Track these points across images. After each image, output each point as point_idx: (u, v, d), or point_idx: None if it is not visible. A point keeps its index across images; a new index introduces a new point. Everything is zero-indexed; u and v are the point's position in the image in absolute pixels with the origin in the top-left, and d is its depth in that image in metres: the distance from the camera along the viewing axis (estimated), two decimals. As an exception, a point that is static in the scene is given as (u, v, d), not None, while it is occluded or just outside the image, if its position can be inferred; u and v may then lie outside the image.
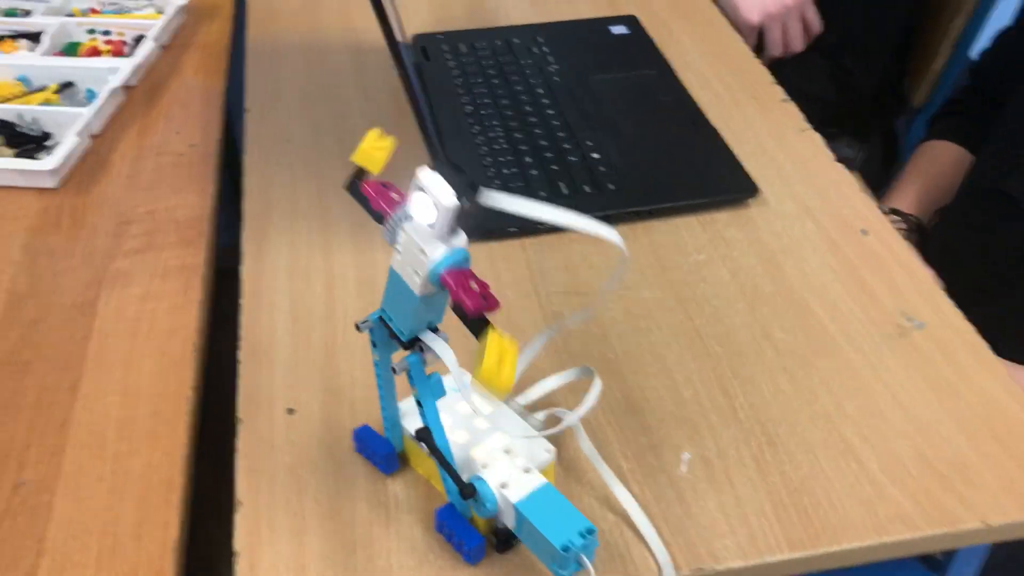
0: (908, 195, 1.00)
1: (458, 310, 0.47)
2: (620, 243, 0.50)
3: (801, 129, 0.92)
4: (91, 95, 0.99)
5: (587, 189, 0.81)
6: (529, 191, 0.81)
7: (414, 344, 0.53)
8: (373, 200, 0.51)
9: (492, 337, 0.46)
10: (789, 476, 0.60)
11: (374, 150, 0.50)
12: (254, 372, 0.68)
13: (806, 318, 0.71)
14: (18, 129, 0.92)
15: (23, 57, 1.02)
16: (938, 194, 0.99)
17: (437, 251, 0.48)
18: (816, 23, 1.17)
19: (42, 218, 0.86)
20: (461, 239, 0.49)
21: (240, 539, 0.58)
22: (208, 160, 0.93)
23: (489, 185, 0.81)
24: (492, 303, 0.46)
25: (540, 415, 0.61)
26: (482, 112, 0.91)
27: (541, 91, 0.94)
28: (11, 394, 0.70)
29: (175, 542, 0.60)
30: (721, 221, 0.81)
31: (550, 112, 0.91)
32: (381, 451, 0.60)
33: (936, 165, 1.01)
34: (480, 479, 0.54)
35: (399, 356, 0.53)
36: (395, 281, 0.51)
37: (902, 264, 0.76)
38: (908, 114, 1.30)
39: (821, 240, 0.78)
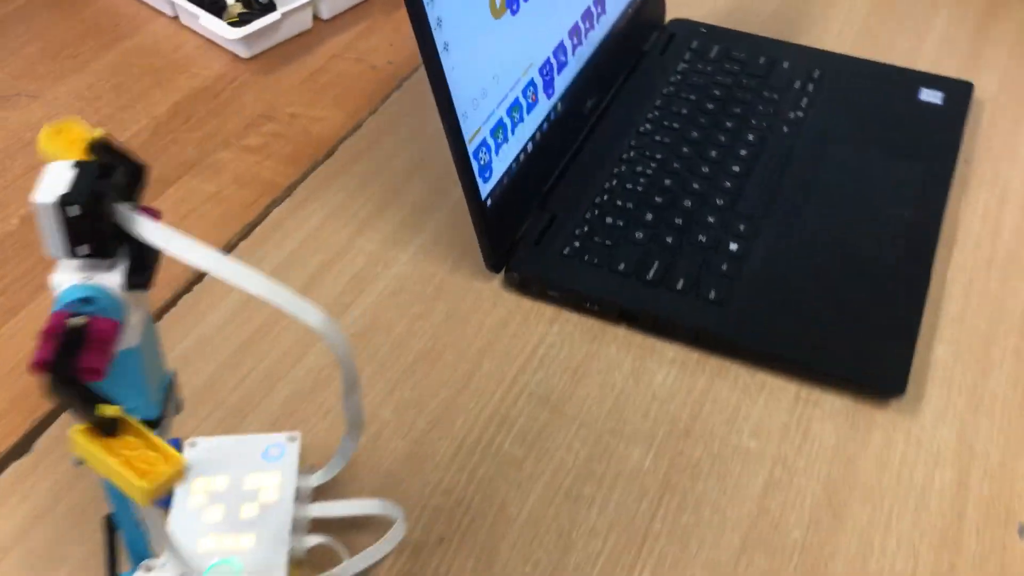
0: None
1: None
2: (341, 346, 0.33)
3: (1077, 332, 0.60)
4: (347, -22, 0.95)
5: (679, 284, 0.60)
6: (611, 255, 0.62)
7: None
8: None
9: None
10: None
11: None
12: (178, 322, 0.61)
13: (804, 605, 0.47)
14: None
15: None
16: None
17: (61, 280, 0.35)
18: None
19: (213, 82, 0.85)
20: (108, 277, 0.35)
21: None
22: (389, 84, 0.85)
23: (575, 228, 0.64)
24: (42, 353, 0.33)
25: (312, 540, 0.47)
26: (656, 137, 0.71)
27: (751, 137, 0.71)
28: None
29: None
30: (826, 408, 0.56)
31: (735, 169, 0.68)
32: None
33: None
34: None
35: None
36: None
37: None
38: None
39: (944, 507, 0.51)
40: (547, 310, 0.61)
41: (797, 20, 0.86)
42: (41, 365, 0.32)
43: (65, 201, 0.33)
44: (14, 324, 0.64)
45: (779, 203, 0.66)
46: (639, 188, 0.67)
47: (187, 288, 0.64)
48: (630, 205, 0.66)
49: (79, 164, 0.35)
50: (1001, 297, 0.62)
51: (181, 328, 0.61)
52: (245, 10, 0.91)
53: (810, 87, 0.76)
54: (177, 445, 0.49)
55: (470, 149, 0.58)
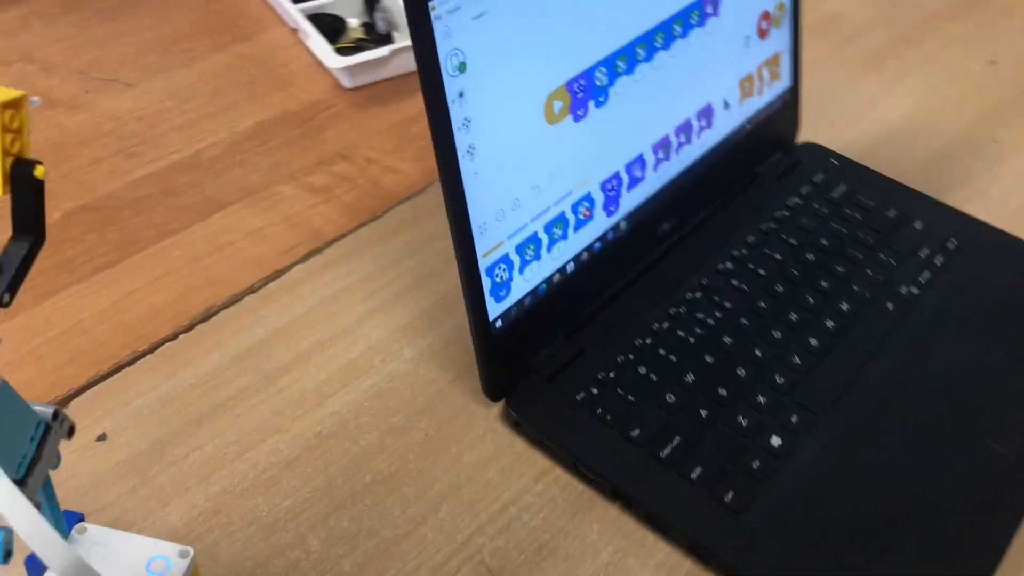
0: None
1: None
2: None
3: None
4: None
5: (694, 473, 0.50)
6: (627, 416, 0.53)
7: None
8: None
9: None
10: None
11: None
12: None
13: None
14: (375, 16, 0.87)
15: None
16: None
17: None
18: None
19: (307, 108, 0.81)
20: None
21: None
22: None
23: (599, 372, 0.55)
24: None
25: None
26: (733, 281, 0.61)
27: (846, 307, 0.60)
28: (67, 239, 0.68)
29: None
30: None
31: (813, 343, 0.57)
32: None
33: None
34: None
35: None
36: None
37: None
38: None
39: None
40: (539, 460, 0.53)
41: (952, 173, 0.73)
42: None
43: None
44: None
45: (853, 399, 0.55)
46: (691, 339, 0.57)
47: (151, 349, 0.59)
48: (673, 358, 0.56)
49: None
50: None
51: (134, 389, 0.56)
52: (364, 37, 0.87)
53: (939, 259, 0.63)
54: (73, 520, 0.44)
55: (483, 265, 0.50)
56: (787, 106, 0.70)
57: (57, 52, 0.85)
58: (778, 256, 0.63)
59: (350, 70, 0.81)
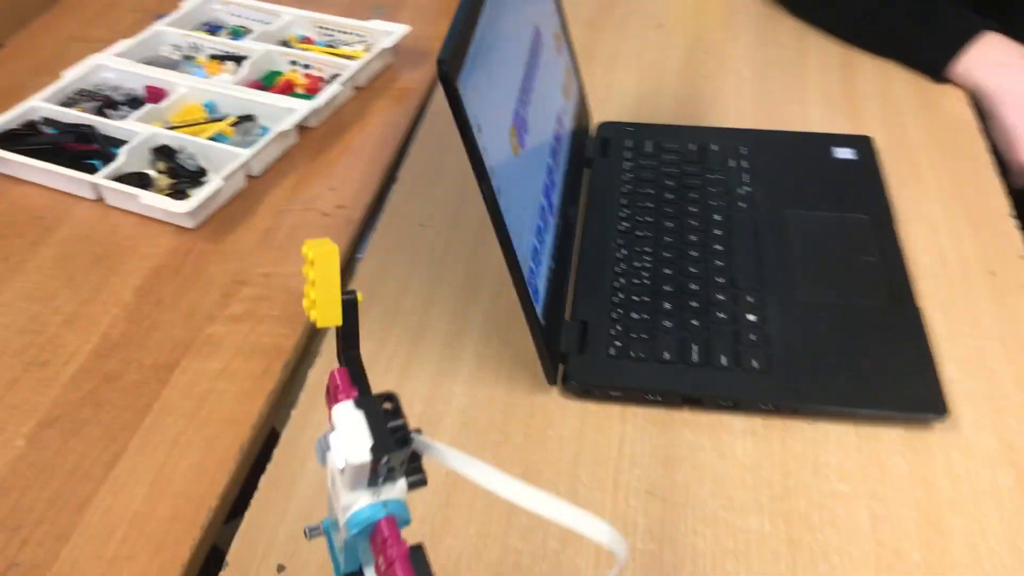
0: None
1: None
2: (621, 552, 0.36)
3: (1043, 330, 0.71)
4: (264, 133, 0.97)
5: (723, 361, 0.66)
6: (652, 348, 0.67)
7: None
8: (329, 399, 0.41)
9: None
10: None
11: (315, 285, 0.40)
12: (262, 507, 0.60)
13: (954, 619, 0.53)
14: (178, 159, 0.91)
15: (216, 83, 1.01)
16: None
17: (355, 501, 0.37)
18: None
19: (168, 259, 0.83)
20: (396, 489, 0.37)
21: None
22: (350, 227, 0.86)
23: (608, 329, 0.69)
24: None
25: None
26: (638, 233, 0.77)
27: (719, 218, 0.79)
28: (54, 454, 0.67)
29: None
30: (886, 441, 0.63)
31: (717, 247, 0.76)
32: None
33: None
34: None
35: None
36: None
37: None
38: None
39: (1019, 507, 0.59)
40: (613, 410, 0.65)
41: (697, 106, 0.96)
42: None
43: (376, 455, 0.35)
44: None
45: (769, 270, 0.74)
46: (647, 282, 0.73)
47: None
48: (646, 299, 0.71)
49: (361, 404, 0.36)
50: (974, 313, 0.72)
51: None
52: (173, 180, 0.90)
53: (744, 163, 0.85)
54: None
55: (526, 278, 0.61)
56: (583, 101, 0.88)
57: None
58: (650, 204, 0.81)
59: (194, 212, 0.85)
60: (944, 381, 0.65)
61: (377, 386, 0.65)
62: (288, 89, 1.03)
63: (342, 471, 0.36)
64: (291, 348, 0.74)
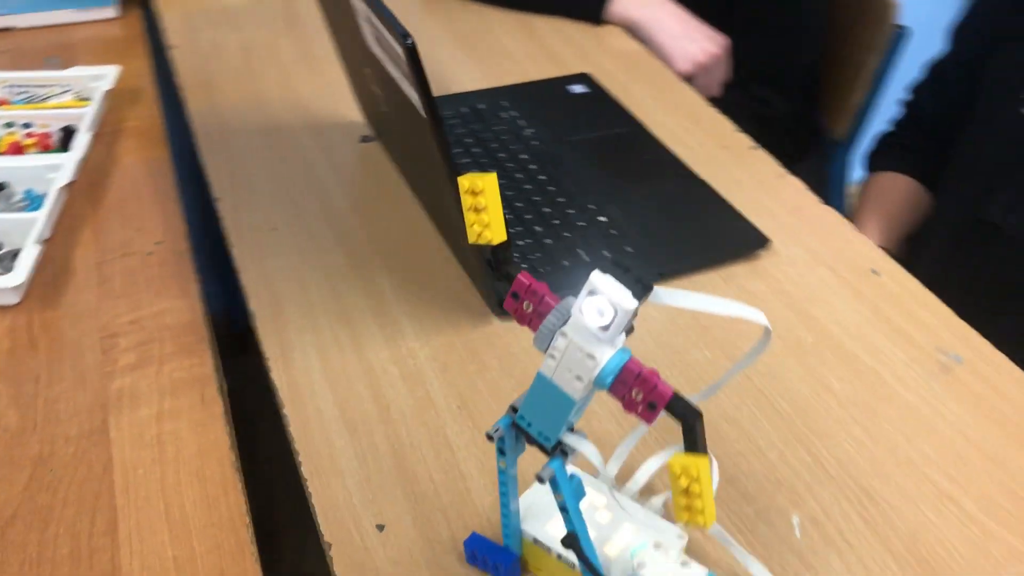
0: (871, 229, 1.04)
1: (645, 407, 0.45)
2: (767, 323, 0.49)
3: (779, 175, 0.95)
4: (31, 196, 0.90)
5: (606, 254, 0.81)
6: (552, 260, 0.79)
7: (555, 448, 0.50)
8: (521, 315, 0.49)
9: (675, 465, 0.44)
10: (898, 527, 0.61)
11: (484, 211, 0.48)
12: (325, 489, 0.63)
13: (854, 365, 0.73)
14: (-41, 242, 0.83)
15: (-57, 160, 0.91)
16: (900, 226, 1.04)
17: (606, 354, 0.46)
18: (727, 70, 1.23)
19: (12, 339, 0.77)
20: (622, 337, 0.47)
21: None
22: (181, 257, 0.86)
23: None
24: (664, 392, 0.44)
25: (656, 500, 0.59)
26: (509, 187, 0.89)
27: (525, 156, 0.93)
28: (38, 548, 0.62)
29: None
30: (741, 275, 0.82)
31: (542, 178, 0.90)
32: (503, 560, 0.57)
33: (892, 197, 1.06)
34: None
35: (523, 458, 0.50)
36: (544, 387, 0.49)
37: (919, 300, 0.79)
38: (827, 148, 1.36)
39: (839, 284, 0.81)
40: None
41: (436, 80, 1.08)
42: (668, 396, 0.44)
43: (639, 298, 0.44)
44: None
45: (588, 183, 0.89)
46: (511, 217, 0.84)
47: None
48: (520, 228, 0.83)
49: (606, 270, 0.45)
50: (722, 170, 0.94)
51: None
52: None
53: (513, 112, 0.99)
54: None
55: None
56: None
57: None
58: (467, 160, 0.92)
59: (21, 285, 0.79)
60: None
61: (347, 367, 0.70)
62: (18, 151, 0.96)
63: (605, 327, 0.45)
64: (212, 374, 0.74)
